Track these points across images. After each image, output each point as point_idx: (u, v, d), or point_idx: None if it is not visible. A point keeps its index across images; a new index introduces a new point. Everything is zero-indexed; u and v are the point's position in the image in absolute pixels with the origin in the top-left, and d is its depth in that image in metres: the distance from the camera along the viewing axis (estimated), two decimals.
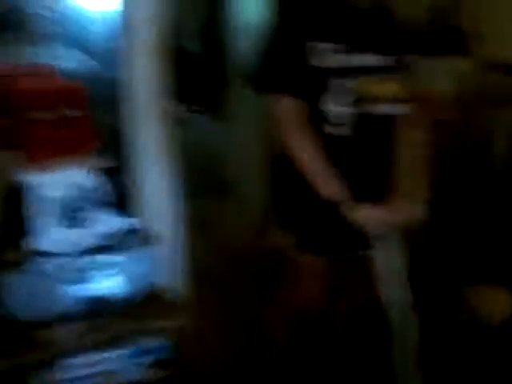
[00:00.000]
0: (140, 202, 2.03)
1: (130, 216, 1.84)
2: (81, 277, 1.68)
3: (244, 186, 3.98)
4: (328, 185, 1.88)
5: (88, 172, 1.63)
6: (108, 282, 1.73)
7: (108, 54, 1.85)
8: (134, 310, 1.80)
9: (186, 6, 4.68)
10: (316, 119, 1.91)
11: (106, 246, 1.71)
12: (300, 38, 1.87)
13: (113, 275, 1.73)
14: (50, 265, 1.62)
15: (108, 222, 1.69)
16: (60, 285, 1.66)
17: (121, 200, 1.71)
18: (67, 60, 1.73)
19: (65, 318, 1.70)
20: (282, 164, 2.07)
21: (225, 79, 4.07)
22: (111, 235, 1.71)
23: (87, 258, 1.69)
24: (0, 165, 1.67)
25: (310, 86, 1.89)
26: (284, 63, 1.90)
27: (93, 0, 1.85)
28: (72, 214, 1.63)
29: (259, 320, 2.34)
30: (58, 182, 1.59)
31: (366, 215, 1.88)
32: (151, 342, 1.88)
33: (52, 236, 1.61)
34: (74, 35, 1.77)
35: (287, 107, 1.88)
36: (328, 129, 1.92)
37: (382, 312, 2.04)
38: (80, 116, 1.59)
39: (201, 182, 3.94)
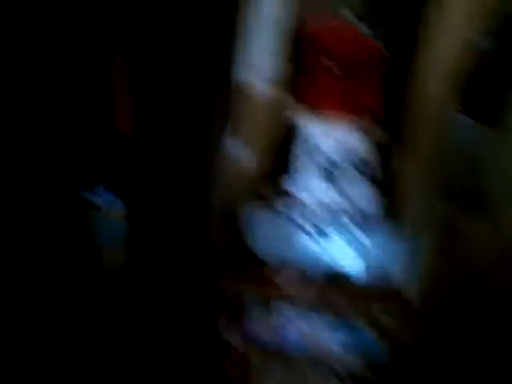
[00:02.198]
0: (397, 183, 1.99)
1: (382, 194, 1.77)
2: (316, 232, 1.72)
3: (503, 203, 3.68)
4: None
5: (361, 135, 1.63)
6: (338, 246, 1.73)
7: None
8: (357, 287, 1.78)
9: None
10: None
11: (350, 214, 1.71)
12: None
13: (344, 242, 1.73)
14: (294, 209, 1.68)
15: (360, 193, 1.68)
16: (296, 231, 1.71)
17: (379, 174, 1.67)
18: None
19: (290, 264, 1.76)
20: None
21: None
22: (358, 206, 1.70)
23: (329, 217, 1.72)
24: (281, 106, 1.73)
25: None
26: None
27: None
28: (331, 169, 1.65)
29: None
30: (329, 135, 1.61)
31: None
32: (365, 330, 1.86)
33: (305, 183, 1.67)
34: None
35: None
36: None
37: None
38: (371, 76, 1.59)
39: (455, 187, 3.76)
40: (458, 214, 3.68)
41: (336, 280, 1.77)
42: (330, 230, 1.73)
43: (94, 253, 1.79)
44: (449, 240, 3.17)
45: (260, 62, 1.74)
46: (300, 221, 1.71)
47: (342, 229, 1.72)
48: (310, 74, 1.63)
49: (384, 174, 1.69)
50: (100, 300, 1.83)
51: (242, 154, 1.90)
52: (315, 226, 1.72)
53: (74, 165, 1.63)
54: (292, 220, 1.71)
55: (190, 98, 1.57)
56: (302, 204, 1.69)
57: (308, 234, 1.73)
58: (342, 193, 1.69)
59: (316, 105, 1.63)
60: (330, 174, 1.67)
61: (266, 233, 1.74)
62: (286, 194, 1.69)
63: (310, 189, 1.68)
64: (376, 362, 1.88)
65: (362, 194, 1.69)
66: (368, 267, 1.76)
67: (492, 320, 2.56)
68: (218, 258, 1.82)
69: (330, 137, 1.63)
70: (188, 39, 1.48)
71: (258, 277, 1.78)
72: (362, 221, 1.71)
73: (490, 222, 3.60)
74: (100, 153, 1.68)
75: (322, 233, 1.73)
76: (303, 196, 1.69)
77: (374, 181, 1.68)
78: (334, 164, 1.65)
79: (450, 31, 1.79)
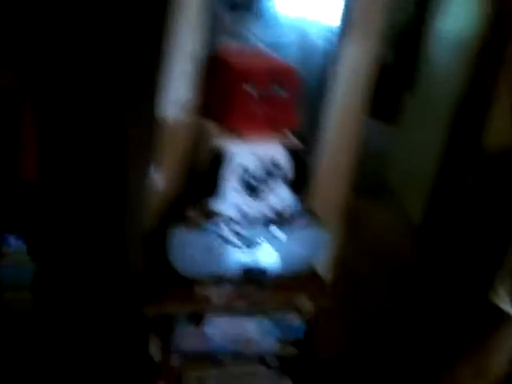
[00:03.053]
0: (314, 186, 2.06)
1: (302, 197, 1.85)
2: (245, 244, 1.76)
3: (404, 191, 3.94)
4: None
5: (279, 148, 1.66)
6: (267, 253, 1.79)
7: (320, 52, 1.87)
8: (282, 285, 1.86)
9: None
10: None
11: (274, 220, 1.76)
12: None
13: (273, 249, 1.79)
14: (221, 227, 1.70)
15: (282, 199, 1.73)
16: (225, 247, 1.74)
17: (298, 180, 1.72)
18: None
19: (221, 279, 1.79)
20: None
21: (408, 87, 4.03)
22: (281, 211, 1.75)
23: (255, 228, 1.76)
24: (203, 131, 1.73)
25: None
26: None
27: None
28: (254, 184, 1.68)
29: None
30: (250, 153, 1.63)
31: None
32: (291, 319, 1.96)
33: (231, 201, 1.68)
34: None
35: None
36: None
37: None
38: (286, 95, 1.61)
39: (359, 179, 3.95)
40: (364, 204, 3.89)
41: (262, 281, 1.84)
42: (256, 239, 1.78)
43: None
44: (356, 227, 3.35)
45: (178, 91, 1.72)
46: (227, 235, 1.74)
47: (267, 234, 1.78)
48: (230, 99, 1.63)
49: (301, 178, 1.75)
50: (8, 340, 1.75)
51: (164, 179, 1.88)
52: (242, 238, 1.76)
53: None
54: (219, 236, 1.73)
55: (103, 135, 1.53)
56: (228, 220, 1.71)
57: (236, 246, 1.76)
58: (265, 202, 1.73)
59: (237, 126, 1.63)
60: (253, 187, 1.69)
61: (193, 252, 1.73)
62: (213, 213, 1.69)
63: (235, 205, 1.70)
64: (298, 339, 2.00)
65: (283, 199, 1.75)
66: (291, 262, 1.85)
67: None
68: (139, 283, 1.80)
69: (251, 154, 1.65)
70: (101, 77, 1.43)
71: (185, 295, 1.79)
72: (284, 222, 1.77)
73: (393, 209, 3.86)
74: (6, 200, 1.60)
75: (250, 242, 1.77)
76: (229, 212, 1.70)
77: (293, 184, 1.73)
78: (256, 178, 1.68)
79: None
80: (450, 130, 3.24)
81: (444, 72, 3.50)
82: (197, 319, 1.90)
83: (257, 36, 1.73)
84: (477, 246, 1.66)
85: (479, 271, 1.61)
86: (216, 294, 1.79)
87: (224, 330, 1.91)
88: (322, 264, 2.10)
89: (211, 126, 1.70)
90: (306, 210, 1.83)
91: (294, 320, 1.98)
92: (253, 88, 1.59)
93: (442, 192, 3.27)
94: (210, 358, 2.01)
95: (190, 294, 1.78)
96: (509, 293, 1.48)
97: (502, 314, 1.52)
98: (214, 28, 1.66)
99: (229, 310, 1.86)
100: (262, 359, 2.06)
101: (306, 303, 1.97)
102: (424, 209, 3.44)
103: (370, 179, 4.21)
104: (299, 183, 1.74)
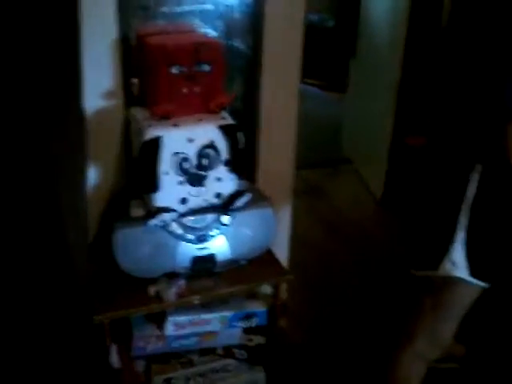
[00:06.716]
0: (258, 165, 2.02)
1: (246, 177, 1.80)
2: (194, 235, 1.69)
3: (359, 160, 3.93)
4: None
5: (213, 129, 1.58)
6: (217, 242, 1.73)
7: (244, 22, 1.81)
8: (239, 273, 1.80)
9: None
10: None
11: (220, 206, 1.69)
12: None
13: (223, 235, 1.73)
14: (166, 221, 1.62)
15: (225, 182, 1.66)
16: (173, 241, 1.67)
17: (238, 160, 1.65)
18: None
19: (173, 275, 1.72)
20: None
21: (351, 54, 4.00)
22: (227, 195, 1.68)
23: (202, 217, 1.69)
24: (133, 120, 1.65)
25: None
26: None
27: None
28: (193, 172, 1.59)
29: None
30: (184, 138, 1.54)
31: None
32: (252, 307, 1.90)
33: (173, 192, 1.60)
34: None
35: None
36: None
37: None
38: (213, 71, 1.55)
39: (315, 153, 3.93)
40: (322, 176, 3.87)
41: (214, 271, 1.78)
42: (204, 229, 1.71)
43: None
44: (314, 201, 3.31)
45: (101, 79, 1.65)
46: (174, 229, 1.66)
47: (215, 222, 1.72)
48: (155, 83, 1.54)
49: (241, 157, 1.67)
50: None
51: (100, 177, 1.81)
52: (190, 229, 1.69)
53: None
54: (166, 231, 1.65)
55: (21, 135, 1.42)
56: (173, 213, 1.62)
57: (184, 239, 1.68)
58: (207, 188, 1.65)
59: (166, 111, 1.55)
60: (193, 175, 1.61)
61: (140, 251, 1.66)
62: (156, 208, 1.60)
63: (178, 196, 1.62)
64: (262, 326, 1.94)
65: (226, 183, 1.68)
66: (244, 247, 1.79)
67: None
68: (87, 290, 1.69)
69: (185, 139, 1.56)
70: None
71: (137, 296, 1.72)
72: (230, 206, 1.71)
73: (349, 182, 3.86)
74: None
75: (198, 233, 1.70)
76: (173, 205, 1.62)
77: (233, 165, 1.66)
78: (194, 164, 1.60)
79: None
80: (397, 97, 3.20)
81: (383, 36, 3.44)
82: (155, 320, 1.83)
83: (173, 10, 1.65)
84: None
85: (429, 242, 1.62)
86: (169, 291, 1.71)
87: (185, 327, 1.83)
88: (281, 244, 2.05)
89: (141, 114, 1.61)
90: (252, 190, 1.76)
91: (255, 307, 1.91)
92: (177, 68, 1.51)
93: (397, 160, 3.25)
94: (175, 359, 1.94)
95: (141, 294, 1.70)
96: (465, 261, 1.49)
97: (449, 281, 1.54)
98: (127, 7, 1.59)
99: (184, 305, 1.78)
100: (229, 352, 1.99)
101: (265, 288, 1.94)
102: (383, 179, 3.42)
103: (328, 151, 4.21)
104: (240, 163, 1.66)
